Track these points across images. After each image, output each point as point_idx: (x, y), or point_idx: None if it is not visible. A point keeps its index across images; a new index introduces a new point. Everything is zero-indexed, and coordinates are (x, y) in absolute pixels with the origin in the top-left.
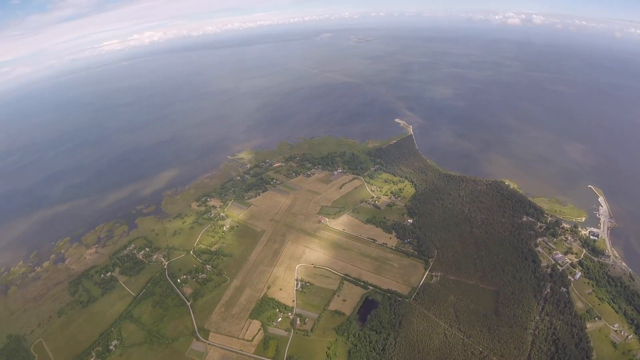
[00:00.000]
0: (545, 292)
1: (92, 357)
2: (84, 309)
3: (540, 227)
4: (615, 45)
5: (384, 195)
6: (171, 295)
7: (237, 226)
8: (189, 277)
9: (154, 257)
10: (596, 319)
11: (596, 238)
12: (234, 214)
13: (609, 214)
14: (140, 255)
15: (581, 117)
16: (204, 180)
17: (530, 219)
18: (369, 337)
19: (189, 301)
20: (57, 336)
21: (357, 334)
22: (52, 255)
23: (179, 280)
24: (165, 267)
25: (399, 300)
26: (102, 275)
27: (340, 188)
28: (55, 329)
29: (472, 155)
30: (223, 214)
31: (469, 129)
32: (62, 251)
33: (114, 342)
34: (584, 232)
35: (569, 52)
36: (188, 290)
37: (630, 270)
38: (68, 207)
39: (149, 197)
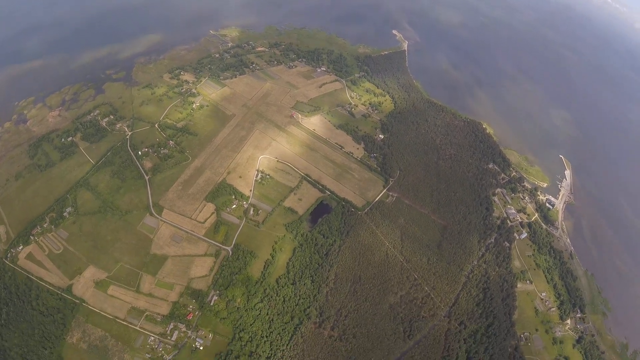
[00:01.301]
0: (489, 242)
1: (45, 222)
2: (42, 173)
3: (503, 179)
4: (630, 35)
5: (362, 104)
6: (130, 167)
7: (208, 106)
8: (150, 150)
9: (118, 125)
10: (528, 282)
11: (551, 207)
12: (206, 92)
13: (571, 189)
14: (103, 123)
15: (577, 88)
16: (181, 52)
17: (496, 168)
18: (316, 240)
19: (147, 175)
20: (12, 200)
21: (305, 234)
22: (14, 116)
23: (140, 152)
24: (127, 137)
25: (352, 211)
26: (63, 140)
27: (320, 87)
28: (12, 193)
29: (460, 89)
30: (195, 91)
31: (464, 62)
32: (25, 112)
33: (68, 209)
34: (542, 197)
35: (586, 23)
36: (148, 164)
37: (572, 248)
38: (37, 65)
39: (121, 63)
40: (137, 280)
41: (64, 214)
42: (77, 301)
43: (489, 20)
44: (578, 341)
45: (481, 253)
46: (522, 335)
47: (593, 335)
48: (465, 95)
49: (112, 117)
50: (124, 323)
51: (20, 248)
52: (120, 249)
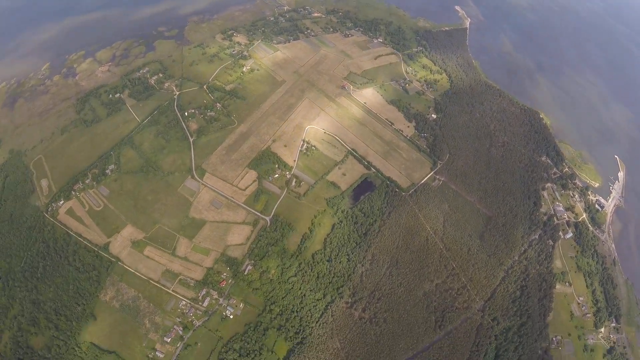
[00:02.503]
0: (533, 238)
1: (87, 178)
2: (87, 128)
3: (555, 174)
4: None
5: (417, 80)
6: (175, 127)
7: (258, 70)
8: (197, 112)
9: (166, 84)
10: (567, 284)
11: (600, 209)
12: (258, 55)
13: (622, 192)
14: (152, 81)
15: None
16: (235, 13)
17: (549, 161)
18: (356, 218)
19: (192, 137)
20: (57, 154)
21: (345, 211)
22: (64, 69)
23: (186, 113)
24: (175, 97)
25: (396, 192)
26: (111, 96)
27: (375, 59)
28: (56, 147)
29: (519, 73)
30: (246, 54)
31: (527, 45)
32: (75, 65)
33: (111, 167)
34: (592, 197)
35: None
36: (193, 126)
37: (616, 254)
38: (90, 19)
39: (174, 20)
40: (173, 242)
41: (107, 171)
42: (113, 260)
43: (556, 5)
44: (609, 351)
45: (523, 249)
46: (554, 339)
47: (625, 347)
48: (524, 80)
49: (161, 75)
50: (158, 285)
51: (61, 203)
52: (160, 210)
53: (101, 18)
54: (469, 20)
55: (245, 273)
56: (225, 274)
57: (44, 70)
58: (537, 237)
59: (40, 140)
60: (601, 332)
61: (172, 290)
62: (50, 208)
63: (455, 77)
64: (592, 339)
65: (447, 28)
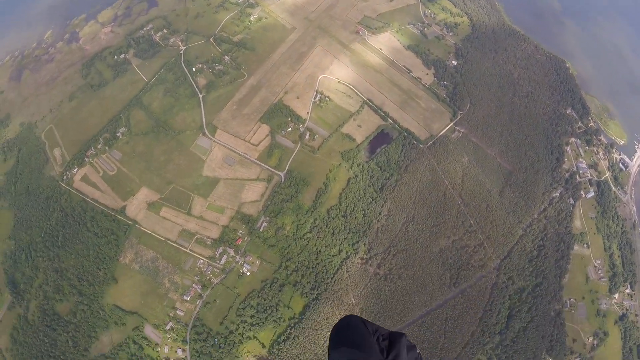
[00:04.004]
0: (554, 196)
1: (99, 144)
2: (95, 93)
3: (580, 128)
4: None
5: (436, 24)
6: (184, 84)
7: (267, 18)
8: (205, 66)
9: (171, 40)
10: (585, 245)
11: (624, 169)
12: (265, 3)
13: None
14: (157, 37)
15: None
16: None
17: (574, 115)
18: (372, 172)
19: (201, 93)
20: (67, 122)
21: (361, 165)
22: (66, 35)
23: (194, 69)
24: (181, 52)
25: (414, 144)
26: (116, 57)
27: (391, 1)
28: (66, 115)
29: (546, 17)
30: (253, 1)
31: None
32: (77, 30)
33: (122, 130)
34: (616, 155)
35: None
36: (202, 81)
37: (636, 218)
38: None
39: None
40: (188, 202)
41: (118, 134)
42: (130, 222)
43: None
44: (621, 318)
45: (543, 207)
46: (567, 301)
47: (637, 315)
48: (550, 24)
49: (165, 31)
50: (175, 245)
51: (75, 170)
52: (173, 170)
53: None
54: None
55: (261, 230)
56: (241, 231)
57: (46, 38)
58: (558, 194)
59: (50, 110)
60: (615, 297)
61: (190, 250)
62: (65, 177)
63: (477, 20)
64: (606, 304)
65: None
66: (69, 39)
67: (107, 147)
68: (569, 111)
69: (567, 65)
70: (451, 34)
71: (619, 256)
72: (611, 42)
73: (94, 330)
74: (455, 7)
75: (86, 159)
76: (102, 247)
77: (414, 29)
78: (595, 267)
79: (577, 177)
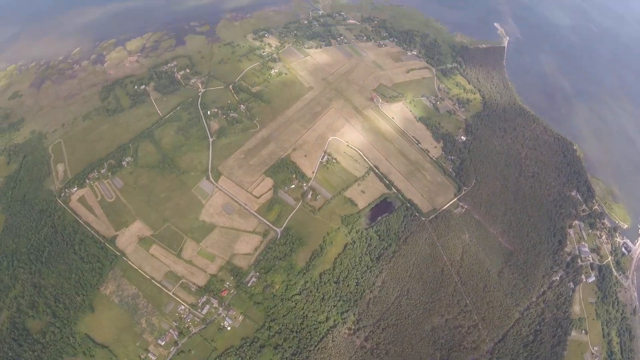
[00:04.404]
0: (554, 279)
1: (103, 168)
2: (110, 117)
3: (584, 211)
4: None
5: (449, 98)
6: (197, 126)
7: (286, 74)
8: (220, 112)
9: (192, 80)
10: (583, 332)
11: (626, 253)
12: (287, 59)
13: None
14: (179, 75)
15: None
16: (269, 13)
17: (579, 197)
18: (371, 239)
19: (212, 137)
20: (76, 140)
21: (360, 231)
22: (93, 56)
23: (209, 112)
24: (200, 94)
25: (415, 216)
26: (136, 87)
27: (408, 72)
28: (77, 133)
29: (557, 99)
30: (276, 56)
31: (566, 69)
32: (104, 53)
33: (128, 159)
34: (619, 239)
35: None
36: (214, 126)
37: (637, 304)
38: (127, 6)
39: (207, 16)
40: (180, 244)
41: (123, 162)
42: (118, 254)
43: (596, 27)
44: None
45: (542, 290)
46: None
47: None
48: (560, 106)
49: (188, 70)
50: (159, 285)
51: (74, 189)
52: (171, 208)
53: (138, 7)
54: (508, 38)
55: (249, 285)
56: (228, 283)
57: (73, 55)
58: (558, 278)
59: (62, 125)
60: None
61: (173, 293)
62: (63, 193)
63: (489, 98)
64: None
65: (484, 45)
66: (95, 60)
67: (110, 173)
68: (574, 193)
69: (574, 147)
70: (463, 109)
71: (617, 343)
72: (618, 124)
73: (60, 356)
74: (469, 83)
75: (87, 181)
76: (85, 272)
77: (427, 102)
78: (592, 354)
79: (579, 260)
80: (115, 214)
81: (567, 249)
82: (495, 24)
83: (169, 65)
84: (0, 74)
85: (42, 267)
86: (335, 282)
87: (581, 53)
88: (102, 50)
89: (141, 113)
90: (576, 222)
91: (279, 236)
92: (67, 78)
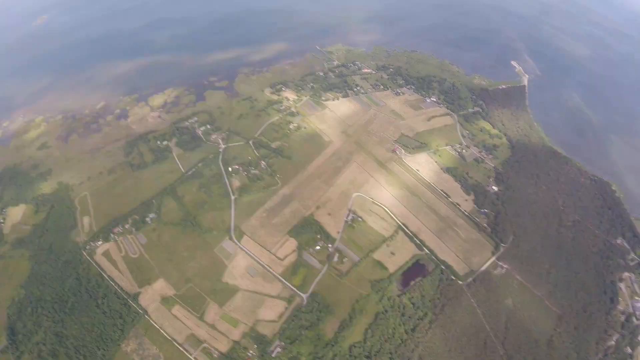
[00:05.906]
0: (609, 344)
1: (127, 223)
2: (133, 172)
3: (632, 260)
4: None
5: (474, 145)
6: (218, 183)
7: (305, 128)
8: (241, 169)
9: (213, 136)
10: None
11: None
12: (305, 112)
13: None
14: (199, 131)
15: None
16: (285, 66)
17: (625, 245)
18: (404, 308)
19: (234, 195)
20: (102, 194)
21: (392, 298)
22: (117, 110)
23: (230, 169)
24: (221, 150)
25: (452, 280)
26: (159, 143)
27: (429, 120)
28: (102, 187)
29: (586, 135)
30: (294, 110)
31: (591, 102)
32: (128, 108)
33: (152, 215)
34: None
35: None
36: (236, 183)
37: None
38: (146, 64)
39: (224, 71)
40: (203, 306)
41: (147, 219)
42: (140, 311)
43: (616, 56)
44: None
45: (597, 359)
46: None
47: None
48: (593, 143)
49: (208, 126)
50: (180, 349)
51: (99, 243)
52: (194, 268)
53: (162, 61)
54: (527, 76)
55: (273, 355)
56: (251, 352)
57: (98, 109)
58: (613, 342)
59: (88, 178)
60: None
61: (194, 358)
62: (88, 246)
63: (517, 141)
64: None
65: (504, 86)
66: (119, 115)
67: (134, 229)
68: (619, 241)
69: (612, 187)
70: (490, 156)
71: None
72: None
73: None
74: (493, 127)
75: (112, 235)
76: (107, 327)
77: (452, 150)
78: None
79: (634, 319)
80: (139, 271)
81: (620, 307)
82: (512, 62)
83: (190, 121)
84: (30, 124)
85: (65, 317)
86: (366, 357)
87: (604, 83)
88: (125, 105)
89: (164, 169)
90: (626, 273)
91: (304, 302)
92: (93, 132)
